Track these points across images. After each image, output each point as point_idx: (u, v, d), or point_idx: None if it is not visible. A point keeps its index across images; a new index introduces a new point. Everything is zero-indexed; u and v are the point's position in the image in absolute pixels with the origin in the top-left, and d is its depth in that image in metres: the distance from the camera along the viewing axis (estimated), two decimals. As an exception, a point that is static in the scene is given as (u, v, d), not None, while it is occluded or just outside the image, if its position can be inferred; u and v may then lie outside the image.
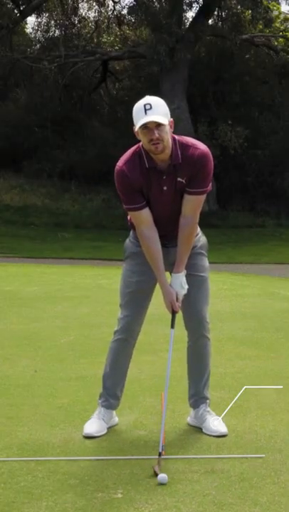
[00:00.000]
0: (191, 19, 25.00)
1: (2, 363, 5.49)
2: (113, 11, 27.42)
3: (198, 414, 3.98)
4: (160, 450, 3.47)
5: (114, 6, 27.23)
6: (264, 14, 22.62)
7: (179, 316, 3.90)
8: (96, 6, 27.85)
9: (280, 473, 3.35)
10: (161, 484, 3.21)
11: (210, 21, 24.85)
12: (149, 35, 23.29)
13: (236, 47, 23.81)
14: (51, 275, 11.92)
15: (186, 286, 3.79)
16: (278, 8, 25.33)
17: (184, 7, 24.25)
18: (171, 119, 3.64)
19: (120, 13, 27.01)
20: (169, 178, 3.69)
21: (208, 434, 3.86)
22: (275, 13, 24.91)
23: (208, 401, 4.04)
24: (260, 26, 24.50)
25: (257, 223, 22.19)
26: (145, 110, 3.53)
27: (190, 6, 24.71)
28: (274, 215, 22.68)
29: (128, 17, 26.15)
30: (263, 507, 3.01)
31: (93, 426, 3.88)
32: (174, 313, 3.82)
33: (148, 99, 3.60)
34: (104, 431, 3.90)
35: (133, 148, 3.71)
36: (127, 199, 3.72)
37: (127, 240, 4.01)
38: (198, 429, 3.95)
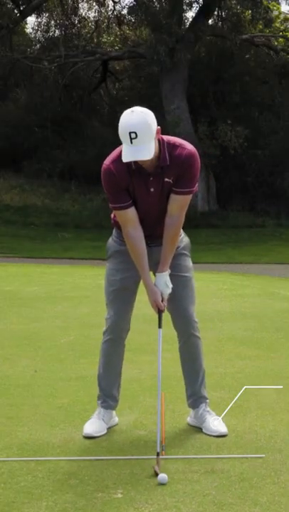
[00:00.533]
0: (191, 19, 25.03)
1: (2, 363, 5.49)
2: (113, 11, 27.44)
3: (198, 414, 3.98)
4: (158, 450, 3.47)
5: (114, 6, 27.27)
6: (264, 14, 22.61)
7: (167, 316, 3.90)
8: (96, 6, 27.89)
9: (280, 473, 3.35)
10: (161, 484, 3.21)
11: (210, 21, 24.84)
12: (149, 35, 23.28)
13: (236, 47, 23.80)
14: (51, 275, 11.92)
15: (171, 285, 3.80)
16: (278, 8, 25.34)
17: (184, 7, 24.26)
18: (158, 127, 3.58)
19: (120, 13, 27.03)
20: (155, 180, 3.68)
21: (208, 434, 3.86)
22: (275, 13, 24.92)
23: (207, 401, 4.04)
24: (260, 26, 24.51)
25: (257, 223, 22.18)
26: (130, 139, 3.46)
27: (190, 6, 24.75)
28: (274, 215, 22.67)
29: (128, 17, 26.13)
30: (263, 507, 3.01)
31: (93, 426, 3.88)
32: (160, 312, 3.83)
33: (132, 123, 3.46)
34: (104, 431, 3.90)
35: (120, 147, 3.66)
36: (113, 198, 3.72)
37: (110, 239, 4.02)
38: (198, 429, 3.94)
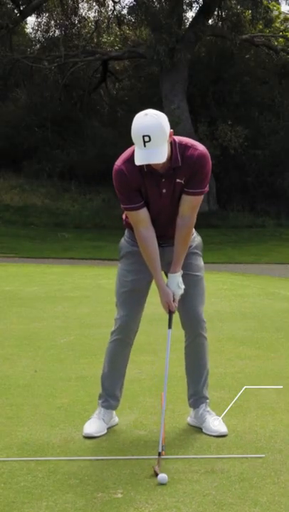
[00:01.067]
0: (191, 19, 25.05)
1: (2, 363, 5.49)
2: (113, 11, 27.45)
3: (198, 414, 3.98)
4: (159, 450, 3.47)
5: (114, 6, 27.29)
6: (264, 14, 22.63)
7: (176, 316, 3.90)
8: (96, 6, 27.92)
9: (280, 473, 3.35)
10: (161, 484, 3.21)
11: (210, 21, 24.87)
12: (149, 35, 23.30)
13: (236, 47, 23.82)
14: (51, 275, 11.92)
15: (183, 286, 3.79)
16: (278, 8, 25.37)
17: (184, 7, 24.28)
18: (171, 130, 3.58)
19: (120, 13, 27.04)
20: (167, 181, 3.67)
21: (208, 434, 3.86)
22: (275, 13, 24.95)
23: (207, 401, 4.04)
24: (260, 26, 24.53)
25: (257, 223, 22.20)
26: (144, 142, 3.45)
27: (190, 6, 24.77)
28: (274, 215, 22.70)
29: (128, 17, 26.16)
30: (263, 507, 3.01)
31: (93, 426, 3.88)
32: (170, 313, 3.82)
33: (146, 126, 3.44)
34: (104, 431, 3.89)
35: (132, 148, 3.65)
36: (124, 198, 3.71)
37: (122, 240, 4.01)
38: (198, 429, 3.94)
